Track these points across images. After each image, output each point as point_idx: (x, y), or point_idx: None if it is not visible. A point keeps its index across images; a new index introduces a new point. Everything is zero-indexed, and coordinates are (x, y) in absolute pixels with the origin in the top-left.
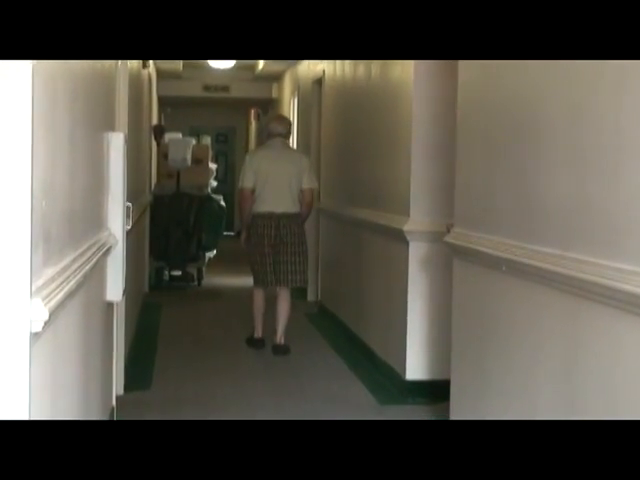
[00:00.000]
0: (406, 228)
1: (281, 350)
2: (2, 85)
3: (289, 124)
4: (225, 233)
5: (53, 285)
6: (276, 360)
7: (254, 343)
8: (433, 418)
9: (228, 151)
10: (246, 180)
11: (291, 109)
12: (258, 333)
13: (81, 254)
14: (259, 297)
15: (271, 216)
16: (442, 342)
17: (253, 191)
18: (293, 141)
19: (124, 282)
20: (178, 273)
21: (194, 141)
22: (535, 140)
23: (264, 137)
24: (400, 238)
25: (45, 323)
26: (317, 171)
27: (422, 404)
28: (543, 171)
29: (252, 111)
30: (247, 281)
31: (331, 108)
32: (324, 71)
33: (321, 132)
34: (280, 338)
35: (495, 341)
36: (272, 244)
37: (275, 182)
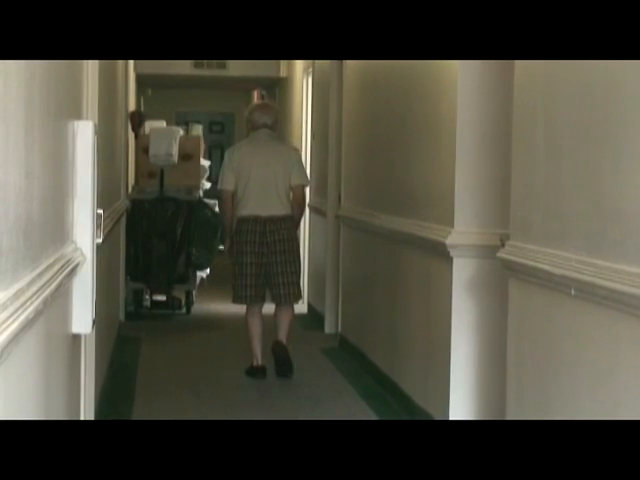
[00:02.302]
0: (449, 241)
1: (280, 350)
2: None
3: (276, 113)
4: (221, 247)
5: (4, 314)
6: (286, 409)
7: (253, 373)
8: None
9: (225, 144)
10: (225, 181)
11: (304, 91)
12: (257, 361)
13: (40, 274)
14: (254, 318)
15: (256, 220)
16: (494, 385)
17: (235, 193)
18: (306, 132)
19: (94, 310)
20: (162, 298)
21: (182, 131)
22: (615, 132)
23: (248, 129)
24: (442, 253)
25: None
26: (337, 169)
27: None
28: (624, 169)
29: (255, 93)
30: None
31: (355, 90)
32: None
33: (342, 120)
34: (282, 336)
35: (564, 385)
36: (256, 252)
37: (259, 181)
